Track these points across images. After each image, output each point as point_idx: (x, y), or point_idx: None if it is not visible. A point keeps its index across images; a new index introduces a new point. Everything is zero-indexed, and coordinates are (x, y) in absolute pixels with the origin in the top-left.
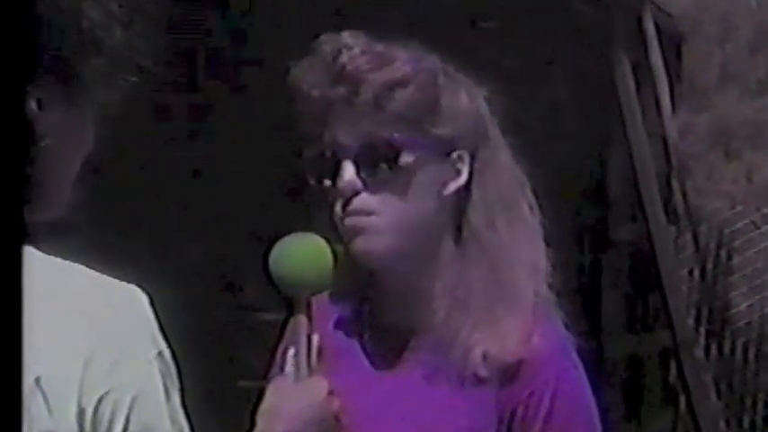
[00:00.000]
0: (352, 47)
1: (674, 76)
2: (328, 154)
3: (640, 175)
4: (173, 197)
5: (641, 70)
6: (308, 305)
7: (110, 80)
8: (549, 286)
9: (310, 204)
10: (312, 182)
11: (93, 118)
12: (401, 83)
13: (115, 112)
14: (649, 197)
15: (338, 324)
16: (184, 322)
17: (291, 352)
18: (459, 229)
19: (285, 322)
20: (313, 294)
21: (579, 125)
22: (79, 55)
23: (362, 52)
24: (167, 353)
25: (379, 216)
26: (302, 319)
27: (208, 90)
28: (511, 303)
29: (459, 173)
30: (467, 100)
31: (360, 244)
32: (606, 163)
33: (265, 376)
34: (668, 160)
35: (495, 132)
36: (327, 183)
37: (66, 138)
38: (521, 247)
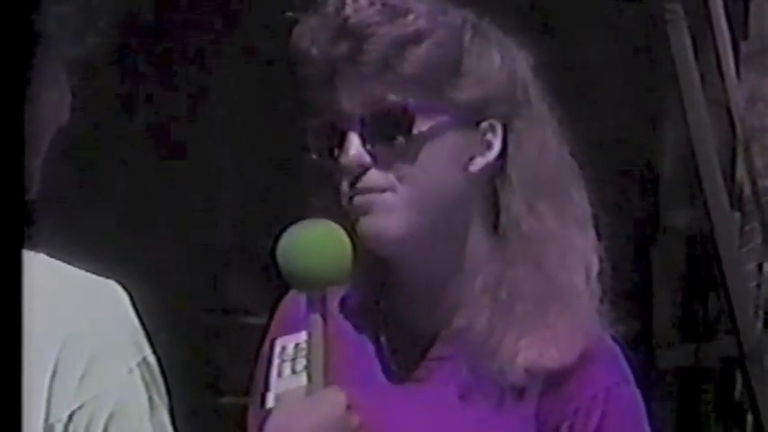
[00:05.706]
0: None
1: (739, 33)
2: (336, 125)
3: (699, 151)
4: (145, 179)
5: (700, 26)
6: (323, 302)
7: (77, 31)
8: (603, 291)
9: (307, 186)
10: (315, 156)
11: (65, 83)
12: (413, 39)
13: (80, 75)
14: (709, 177)
15: (349, 316)
16: (157, 326)
17: (287, 351)
18: (496, 216)
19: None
20: (329, 287)
21: (626, 92)
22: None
23: (370, 3)
24: (153, 360)
25: (393, 193)
26: (317, 319)
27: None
28: (565, 303)
29: (489, 146)
30: (499, 62)
31: (368, 222)
32: (658, 137)
33: (248, 389)
34: (733, 133)
35: (539, 104)
36: (336, 152)
37: (39, 107)
38: (572, 236)
